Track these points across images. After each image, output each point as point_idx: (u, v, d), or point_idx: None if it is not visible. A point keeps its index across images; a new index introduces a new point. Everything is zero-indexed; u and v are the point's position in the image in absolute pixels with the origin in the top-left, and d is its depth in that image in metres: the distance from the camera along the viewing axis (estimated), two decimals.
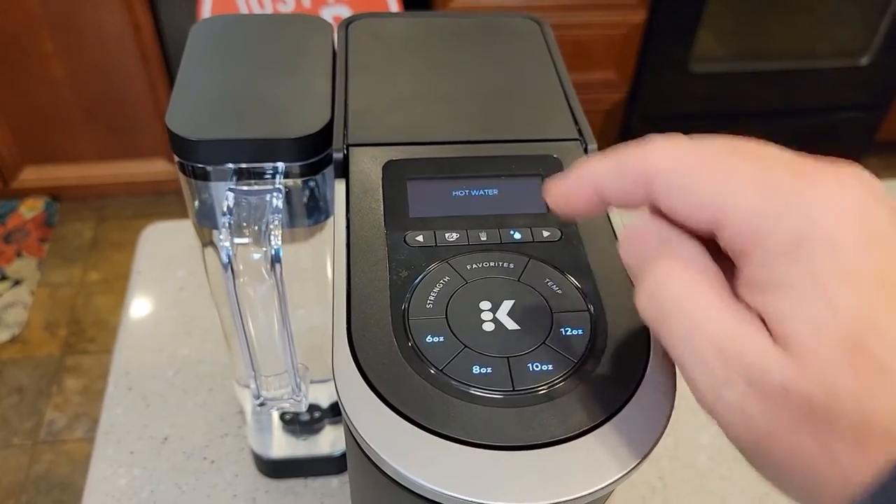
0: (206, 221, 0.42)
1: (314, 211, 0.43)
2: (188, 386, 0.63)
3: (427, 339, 0.28)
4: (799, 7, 1.74)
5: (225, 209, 0.38)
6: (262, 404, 0.46)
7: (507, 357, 0.28)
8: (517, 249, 0.32)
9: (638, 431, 0.26)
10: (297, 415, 0.56)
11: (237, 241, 0.39)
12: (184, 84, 0.39)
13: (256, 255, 0.39)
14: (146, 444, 0.59)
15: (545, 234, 0.33)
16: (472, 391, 0.27)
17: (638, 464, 0.26)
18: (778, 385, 0.18)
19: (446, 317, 0.29)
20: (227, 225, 0.38)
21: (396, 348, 0.28)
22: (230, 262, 0.38)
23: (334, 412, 0.56)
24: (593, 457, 0.25)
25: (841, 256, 0.18)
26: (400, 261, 0.31)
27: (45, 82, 1.63)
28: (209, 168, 0.38)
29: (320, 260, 0.49)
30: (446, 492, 0.25)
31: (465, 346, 0.28)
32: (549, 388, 0.27)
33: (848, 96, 1.93)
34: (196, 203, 0.41)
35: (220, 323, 0.53)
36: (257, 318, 0.43)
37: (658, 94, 1.84)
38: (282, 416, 0.56)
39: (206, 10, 1.15)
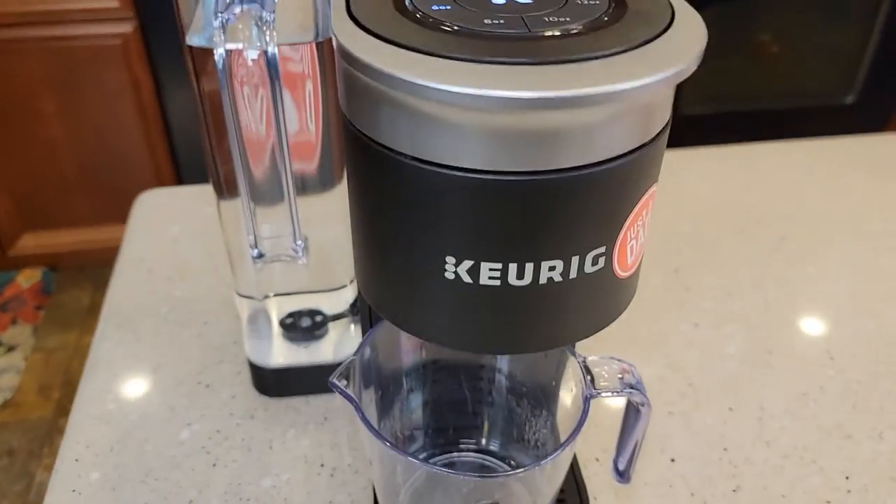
0: (199, 40, 0.40)
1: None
2: (182, 321, 0.59)
3: (433, 8, 0.27)
4: (781, 49, 1.79)
5: (216, 13, 0.37)
6: (259, 256, 0.43)
7: (522, 14, 0.26)
8: None
9: (675, 52, 0.24)
10: (297, 320, 0.53)
11: (230, 46, 0.38)
12: None
13: (253, 54, 0.38)
14: (136, 371, 0.55)
15: None
16: (485, 31, 0.25)
17: (683, 69, 0.23)
18: None
19: None
20: (220, 26, 0.37)
21: (399, 15, 0.26)
22: (224, 67, 0.37)
23: (335, 318, 0.53)
24: (630, 65, 0.23)
25: None
26: None
27: (46, 144, 1.65)
28: None
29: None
30: (466, 91, 0.22)
31: (475, 9, 0.26)
32: (571, 30, 0.25)
33: (835, 135, 1.95)
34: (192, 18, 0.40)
35: (225, 246, 0.49)
36: (255, 145, 0.41)
37: None
38: (281, 322, 0.53)
39: None
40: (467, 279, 0.27)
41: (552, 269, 0.27)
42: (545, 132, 0.24)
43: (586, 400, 0.36)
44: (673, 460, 0.50)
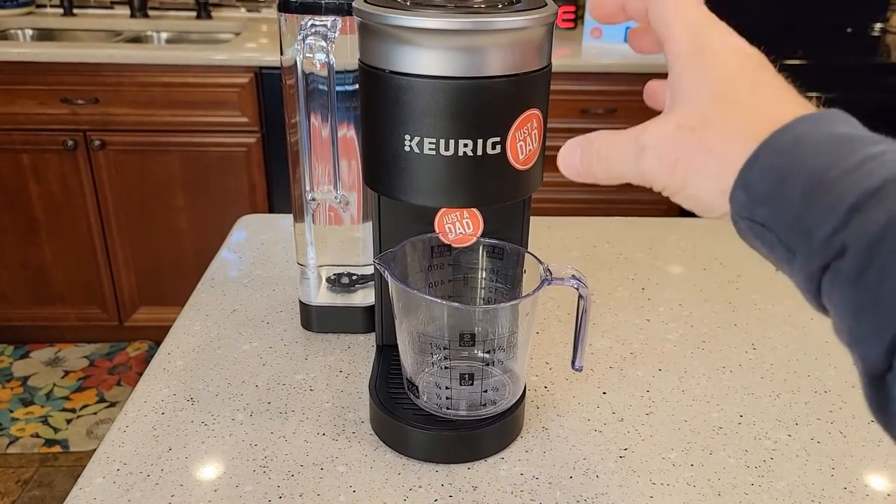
0: (289, 53, 0.63)
1: None
2: (257, 286, 0.80)
3: None
4: None
5: (301, 35, 0.60)
6: (313, 199, 0.64)
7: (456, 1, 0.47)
8: None
9: (534, 13, 0.44)
10: (339, 278, 0.72)
11: (307, 55, 0.61)
12: None
13: (322, 58, 0.60)
14: (219, 311, 0.75)
15: None
16: (435, 3, 0.46)
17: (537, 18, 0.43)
18: (674, 127, 0.31)
19: None
20: (301, 39, 0.60)
21: None
22: (301, 66, 0.60)
23: (365, 280, 0.72)
24: None
25: (718, 58, 0.31)
26: None
27: (172, 232, 1.96)
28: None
29: None
30: None
31: None
32: (478, 4, 0.46)
33: None
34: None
35: (294, 236, 0.71)
36: (316, 134, 0.63)
37: None
38: (328, 278, 0.72)
39: None
40: (417, 150, 0.47)
41: (465, 145, 0.46)
42: (463, 52, 0.44)
43: (542, 281, 0.53)
44: (605, 392, 0.64)
